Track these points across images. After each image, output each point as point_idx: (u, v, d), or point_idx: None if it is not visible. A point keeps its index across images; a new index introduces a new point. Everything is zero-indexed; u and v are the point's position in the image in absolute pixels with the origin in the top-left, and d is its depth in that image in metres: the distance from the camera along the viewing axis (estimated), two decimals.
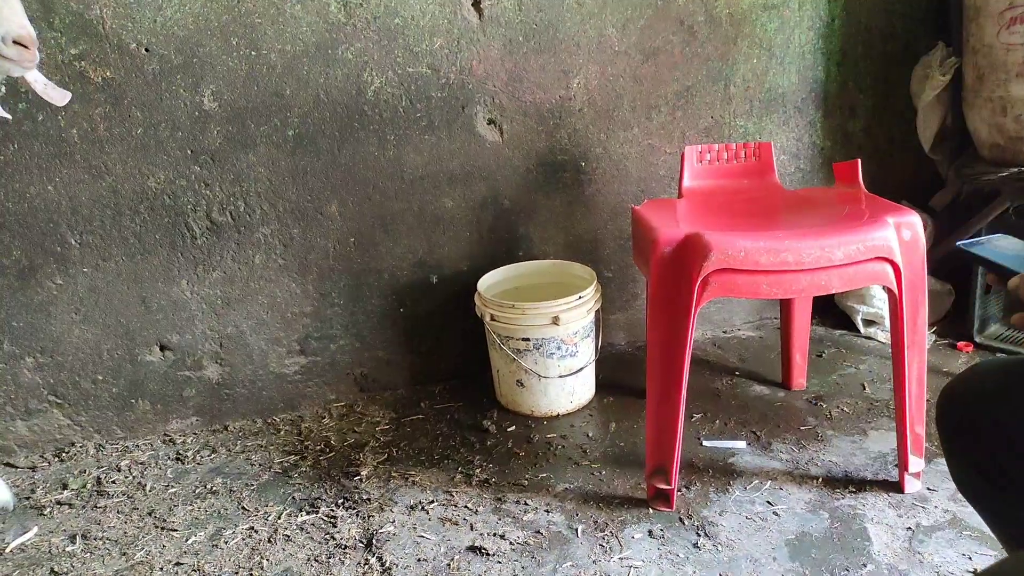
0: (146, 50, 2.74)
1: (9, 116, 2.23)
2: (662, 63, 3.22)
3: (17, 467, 3.16)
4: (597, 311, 3.10)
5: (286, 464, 3.12)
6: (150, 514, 2.87)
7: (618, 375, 3.53)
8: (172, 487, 3.03)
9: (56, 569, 2.63)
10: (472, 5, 2.93)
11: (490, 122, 3.09)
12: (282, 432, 3.28)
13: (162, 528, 2.81)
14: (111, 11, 2.68)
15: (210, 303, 3.11)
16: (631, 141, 3.29)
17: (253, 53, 2.82)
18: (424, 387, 3.46)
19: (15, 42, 2.07)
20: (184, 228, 2.99)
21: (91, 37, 2.70)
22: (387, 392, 3.43)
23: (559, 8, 3.01)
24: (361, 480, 2.92)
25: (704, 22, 3.20)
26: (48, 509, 2.96)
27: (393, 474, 2.93)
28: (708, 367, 3.57)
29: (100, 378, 3.12)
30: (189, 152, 2.88)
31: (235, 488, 2.99)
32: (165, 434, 3.27)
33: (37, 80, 2.34)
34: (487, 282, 3.18)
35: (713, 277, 2.16)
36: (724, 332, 3.91)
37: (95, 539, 2.77)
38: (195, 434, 3.29)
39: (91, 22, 2.67)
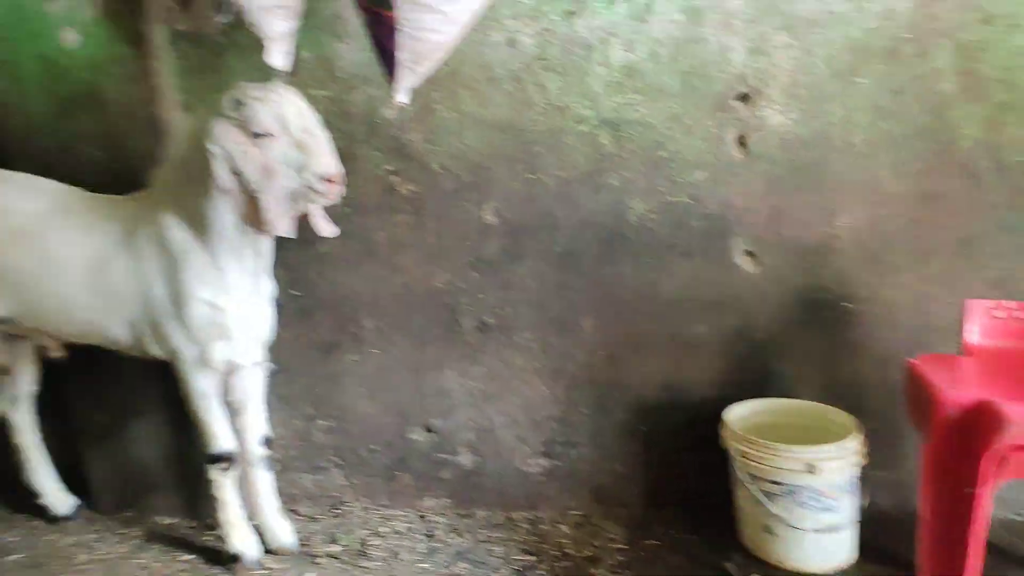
0: (445, 170, 2.31)
1: (294, 235, 2.09)
2: (940, 208, 2.28)
3: (300, 515, 2.73)
4: (861, 466, 2.05)
5: (524, 563, 2.47)
6: None
7: (882, 541, 2.43)
8: (423, 563, 2.50)
9: None
10: (737, 142, 2.19)
11: (748, 254, 2.31)
12: (521, 529, 2.62)
13: None
14: (421, 136, 2.31)
15: (472, 395, 2.54)
16: (902, 287, 2.34)
17: (532, 177, 2.31)
18: (658, 509, 2.68)
19: (325, 178, 1.88)
20: (458, 325, 2.48)
21: (403, 157, 2.34)
22: (622, 508, 2.65)
23: (826, 148, 2.22)
24: None
25: (992, 168, 2.19)
26: (320, 560, 2.54)
27: None
28: (995, 556, 2.25)
29: (374, 448, 2.62)
30: (470, 260, 2.41)
31: None
32: (420, 509, 2.69)
33: (315, 211, 2.06)
34: (735, 413, 2.33)
35: (1011, 455, 1.32)
36: (1018, 515, 2.57)
37: None
38: (445, 514, 2.67)
39: (404, 145, 2.33)
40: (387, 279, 2.63)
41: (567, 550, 2.56)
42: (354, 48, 2.42)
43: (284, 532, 2.40)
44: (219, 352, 2.07)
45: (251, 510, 2.49)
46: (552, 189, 2.48)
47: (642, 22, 2.25)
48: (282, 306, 2.63)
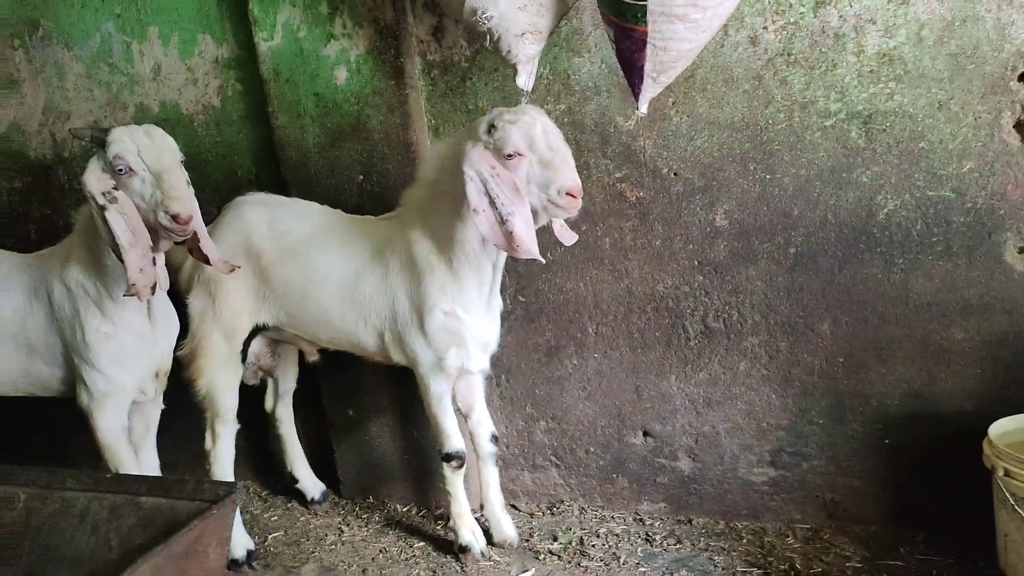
0: (674, 174, 1.92)
1: (543, 260, 1.79)
2: None
3: (519, 510, 2.34)
4: None
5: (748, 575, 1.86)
6: None
7: None
8: (642, 566, 2.09)
9: None
10: (1014, 127, 1.61)
11: (1021, 251, 1.66)
12: (744, 540, 2.07)
13: None
14: (652, 142, 1.92)
15: (693, 400, 2.06)
16: None
17: (767, 176, 1.84)
18: (903, 529, 2.00)
19: (567, 193, 1.66)
20: (681, 330, 2.02)
21: (633, 164, 1.96)
22: (859, 525, 2.03)
23: None
24: None
25: None
26: (541, 556, 2.20)
27: None
28: None
29: (592, 450, 2.20)
30: (696, 263, 1.95)
31: None
32: (636, 513, 2.23)
33: (556, 222, 1.87)
34: (1001, 429, 1.72)
35: None
36: None
37: None
38: (662, 519, 2.18)
39: (635, 152, 1.95)
40: (610, 284, 2.24)
41: (796, 565, 2.02)
42: (589, 61, 2.10)
43: (508, 526, 2.17)
44: (453, 358, 1.91)
45: (478, 503, 2.23)
46: (789, 189, 2.00)
47: (904, 4, 1.74)
48: (509, 311, 2.32)
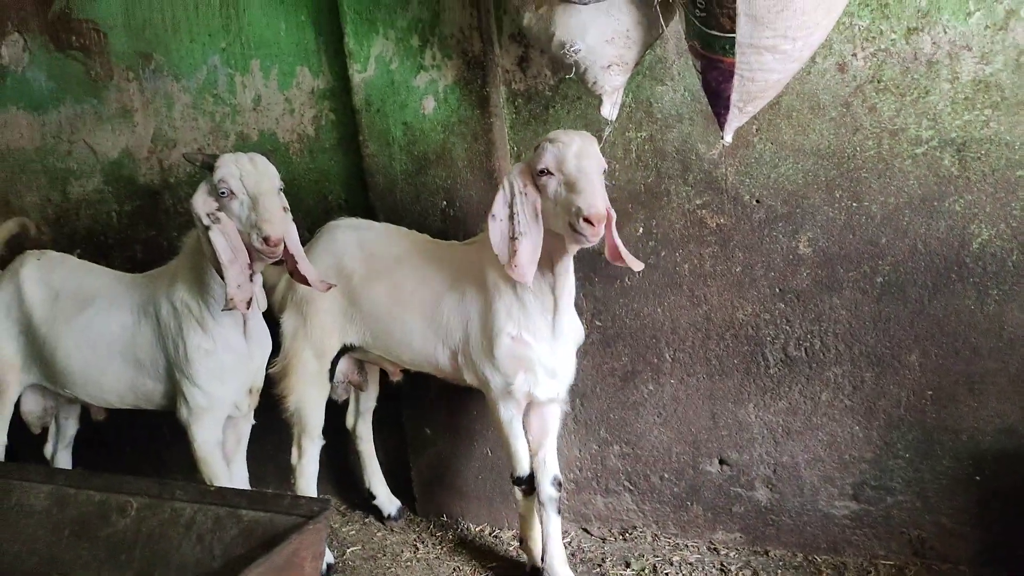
0: (757, 201, 1.93)
1: (530, 284, 1.81)
2: None
3: (591, 535, 2.35)
4: None
5: None
6: None
7: None
8: None
9: None
10: None
11: None
12: (823, 574, 1.95)
13: None
14: (734, 169, 1.94)
15: (771, 429, 2.05)
16: None
17: (854, 204, 1.85)
18: (992, 570, 1.91)
19: (586, 219, 1.61)
20: (760, 358, 2.02)
21: (714, 190, 1.98)
22: (946, 564, 1.97)
23: None
24: None
25: None
26: None
27: None
28: None
29: (666, 476, 2.20)
30: (777, 290, 1.95)
31: None
32: (711, 542, 2.20)
33: (622, 247, 1.86)
34: None
35: None
36: None
37: None
38: (738, 550, 2.16)
39: (717, 179, 1.97)
40: (688, 310, 2.25)
41: None
42: (672, 89, 2.14)
43: None
44: (521, 384, 1.90)
45: (541, 554, 2.09)
46: (877, 217, 1.99)
47: (1002, 30, 1.73)
48: (587, 335, 2.35)
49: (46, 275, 2.25)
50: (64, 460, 2.57)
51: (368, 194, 2.44)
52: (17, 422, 2.41)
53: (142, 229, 2.87)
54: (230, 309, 1.89)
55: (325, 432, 2.35)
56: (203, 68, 2.63)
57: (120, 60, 2.75)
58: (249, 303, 1.93)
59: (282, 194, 1.96)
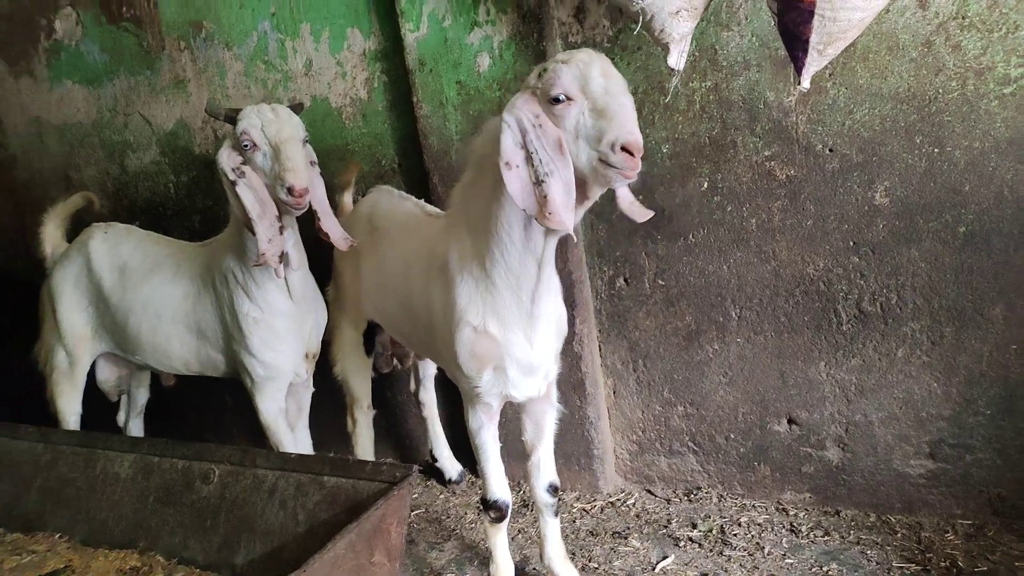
0: (830, 150, 1.88)
1: (575, 238, 1.58)
2: None
3: (655, 495, 2.37)
4: None
5: (906, 572, 1.95)
6: None
7: None
8: (788, 558, 2.07)
9: None
10: None
11: None
12: (899, 535, 2.01)
13: None
14: (806, 117, 1.89)
15: (843, 388, 2.02)
16: None
17: (936, 150, 1.78)
18: None
19: (623, 149, 1.32)
20: (832, 314, 1.98)
21: (784, 141, 1.93)
22: None
23: None
24: None
25: None
26: (682, 543, 2.21)
27: None
28: None
29: (732, 436, 2.20)
30: (851, 244, 1.91)
31: None
32: (779, 502, 2.20)
33: (625, 196, 1.58)
34: None
35: None
36: None
37: None
38: (807, 510, 2.15)
39: (786, 128, 1.92)
40: (756, 267, 2.23)
41: (959, 562, 1.95)
42: (739, 35, 2.09)
43: None
44: (488, 384, 1.63)
45: (540, 553, 1.97)
46: (960, 163, 1.93)
47: None
48: (648, 295, 2.35)
49: (113, 247, 2.34)
50: (136, 428, 2.70)
51: (423, 156, 2.46)
52: (92, 392, 2.53)
53: (199, 199, 2.95)
54: (260, 265, 1.88)
55: (383, 397, 2.40)
56: (253, 34, 2.66)
57: (171, 30, 2.80)
58: (282, 257, 1.91)
59: (309, 147, 1.94)
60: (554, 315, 1.65)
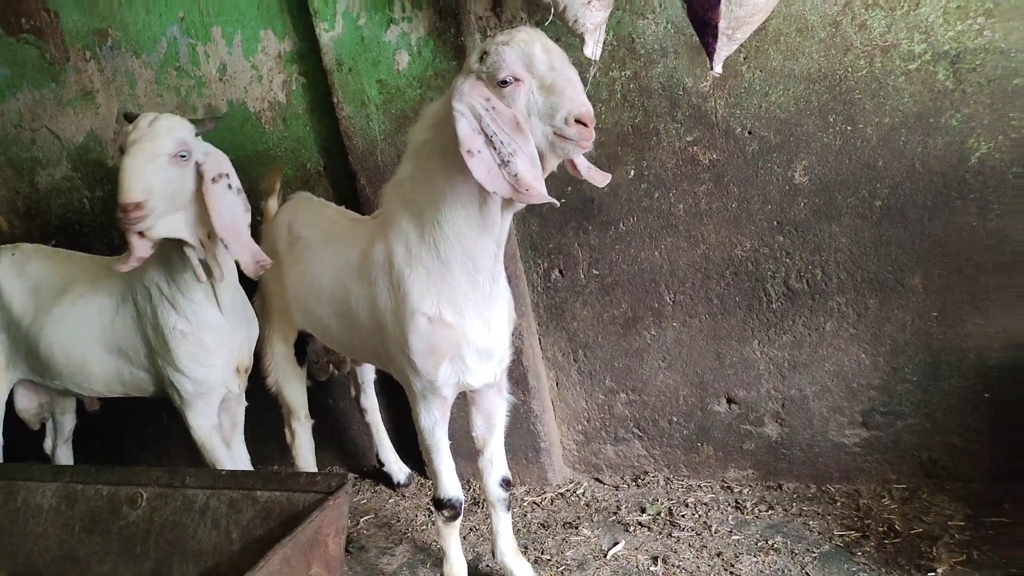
0: (749, 133, 1.92)
1: (557, 203, 1.49)
2: None
3: (604, 483, 2.42)
4: None
5: (847, 539, 2.03)
6: (718, 555, 2.04)
7: None
8: (735, 534, 2.13)
9: None
10: None
11: None
12: (838, 503, 2.09)
13: (730, 572, 1.96)
14: (723, 101, 1.93)
15: (777, 364, 2.08)
16: None
17: (849, 128, 1.84)
18: (1008, 485, 2.00)
19: (577, 120, 1.37)
20: (762, 293, 2.04)
21: (704, 125, 1.96)
22: (958, 483, 2.03)
23: None
24: None
25: None
26: (631, 528, 2.26)
27: None
28: None
29: (674, 419, 2.24)
30: (775, 223, 1.96)
31: (796, 551, 2.00)
32: (724, 481, 2.26)
33: (582, 163, 1.60)
34: None
35: None
36: None
37: (672, 566, 1.97)
38: (751, 486, 2.22)
39: (706, 112, 1.95)
40: (687, 251, 2.27)
41: (896, 526, 2.04)
42: (654, 23, 2.11)
43: (525, 574, 1.95)
44: (445, 375, 1.62)
45: (492, 549, 1.99)
46: (873, 139, 1.99)
47: None
48: (583, 285, 2.38)
49: (21, 267, 2.24)
50: (65, 455, 2.61)
51: (348, 158, 2.42)
52: (14, 421, 2.43)
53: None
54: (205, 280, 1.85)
55: (325, 402, 2.38)
56: (162, 40, 2.58)
57: (75, 40, 2.69)
58: (209, 273, 1.86)
59: (209, 161, 1.79)
60: (507, 297, 1.68)
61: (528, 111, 1.39)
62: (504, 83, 1.39)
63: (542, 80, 1.38)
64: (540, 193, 1.39)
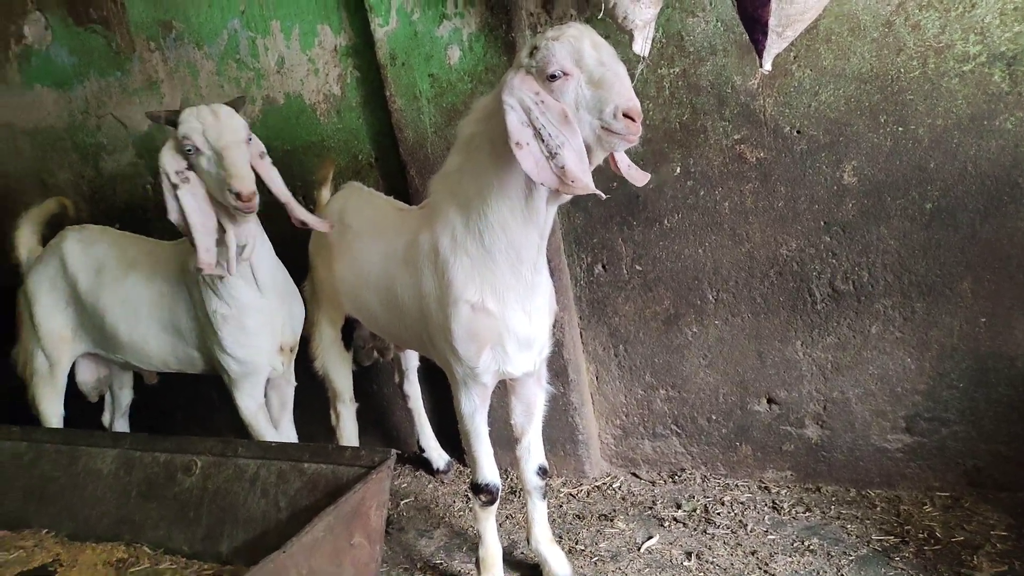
0: (798, 132, 1.95)
1: (603, 195, 1.52)
2: None
3: (640, 478, 2.46)
4: None
5: (885, 544, 2.04)
6: (753, 554, 2.06)
7: None
8: (771, 534, 2.15)
9: None
10: None
11: None
12: (878, 508, 2.11)
13: (764, 571, 1.99)
14: (773, 100, 1.96)
15: (820, 366, 2.11)
16: None
17: (900, 129, 1.86)
18: None
19: (624, 115, 1.41)
20: (806, 293, 2.06)
21: (752, 124, 2.01)
22: (1004, 493, 2.04)
23: None
24: None
25: None
26: (666, 523, 2.30)
27: None
28: None
29: (714, 418, 2.28)
30: (822, 223, 1.99)
31: (832, 553, 2.02)
32: (761, 481, 2.29)
33: (622, 160, 1.65)
34: None
35: None
36: None
37: (706, 562, 1.99)
38: (789, 487, 2.24)
39: (755, 111, 1.99)
40: (731, 249, 2.31)
41: (936, 533, 2.04)
42: (704, 20, 2.16)
43: (559, 562, 1.98)
44: (486, 362, 1.67)
45: (527, 536, 2.03)
46: (924, 140, 2.01)
47: None
48: (626, 280, 2.43)
49: (88, 247, 2.39)
50: (122, 428, 2.77)
51: (399, 150, 2.52)
52: (74, 394, 2.59)
53: None
54: (200, 271, 1.91)
55: (369, 389, 2.47)
56: (224, 33, 2.71)
57: (140, 30, 2.84)
58: (229, 263, 1.93)
59: (255, 141, 1.94)
60: (548, 288, 1.72)
61: (576, 105, 1.43)
62: (553, 77, 1.43)
63: (591, 75, 1.42)
64: (586, 184, 1.43)
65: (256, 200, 1.83)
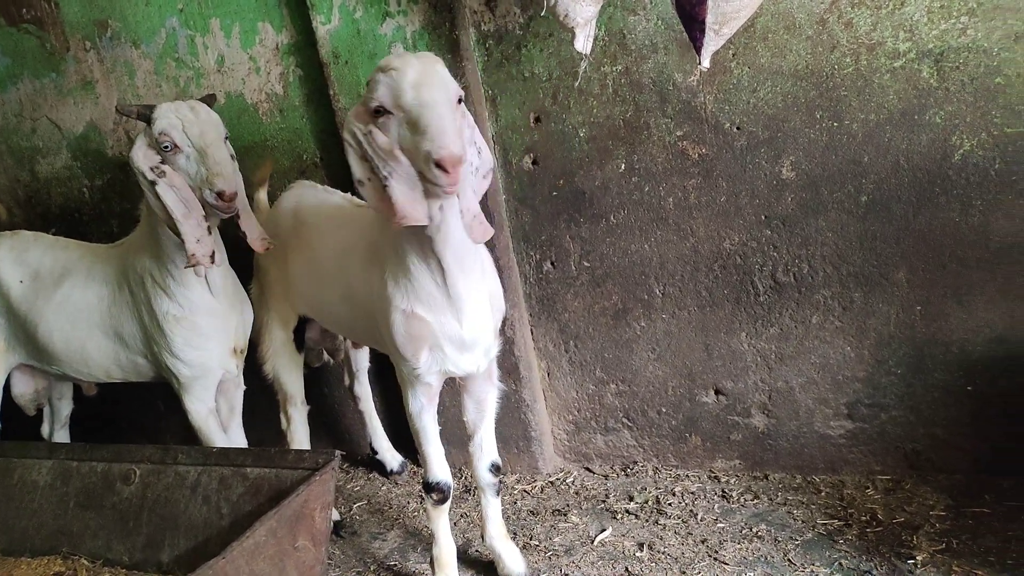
0: (737, 128, 1.97)
1: (426, 221, 1.49)
2: None
3: (593, 472, 2.47)
4: None
5: (830, 527, 2.07)
6: (703, 542, 2.08)
7: None
8: (720, 522, 2.17)
9: (629, 570, 1.98)
10: None
11: None
12: (823, 493, 2.14)
13: (714, 559, 2.00)
14: (713, 97, 1.97)
15: (764, 356, 2.13)
16: None
17: (835, 124, 1.88)
18: (989, 477, 2.04)
19: (436, 164, 1.30)
20: (749, 286, 2.09)
21: (694, 120, 2.01)
22: (941, 475, 2.08)
23: None
24: (916, 565, 1.82)
25: None
26: (619, 515, 2.31)
27: (955, 568, 1.79)
28: None
29: (663, 410, 2.29)
30: (763, 217, 2.01)
31: (779, 539, 2.04)
32: (711, 471, 2.31)
33: (467, 210, 1.52)
34: None
35: None
36: None
37: (658, 552, 2.02)
38: (737, 476, 2.27)
39: (696, 108, 1.99)
40: (676, 244, 2.32)
41: (878, 516, 2.08)
42: (645, 19, 2.15)
43: (513, 559, 1.95)
44: (426, 362, 1.65)
45: (481, 533, 2.01)
46: (858, 135, 2.04)
47: None
48: (574, 277, 2.42)
49: (20, 254, 2.29)
50: (62, 440, 2.66)
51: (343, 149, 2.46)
52: (11, 407, 2.48)
53: (116, 203, 2.89)
54: (193, 266, 1.85)
55: (320, 392, 2.43)
56: (161, 31, 2.62)
57: (75, 30, 2.73)
58: (213, 257, 1.87)
59: (228, 143, 1.90)
60: (484, 292, 1.65)
61: (400, 145, 1.37)
62: (378, 112, 1.37)
63: (408, 115, 1.33)
64: (409, 216, 1.37)
65: (237, 201, 1.77)
